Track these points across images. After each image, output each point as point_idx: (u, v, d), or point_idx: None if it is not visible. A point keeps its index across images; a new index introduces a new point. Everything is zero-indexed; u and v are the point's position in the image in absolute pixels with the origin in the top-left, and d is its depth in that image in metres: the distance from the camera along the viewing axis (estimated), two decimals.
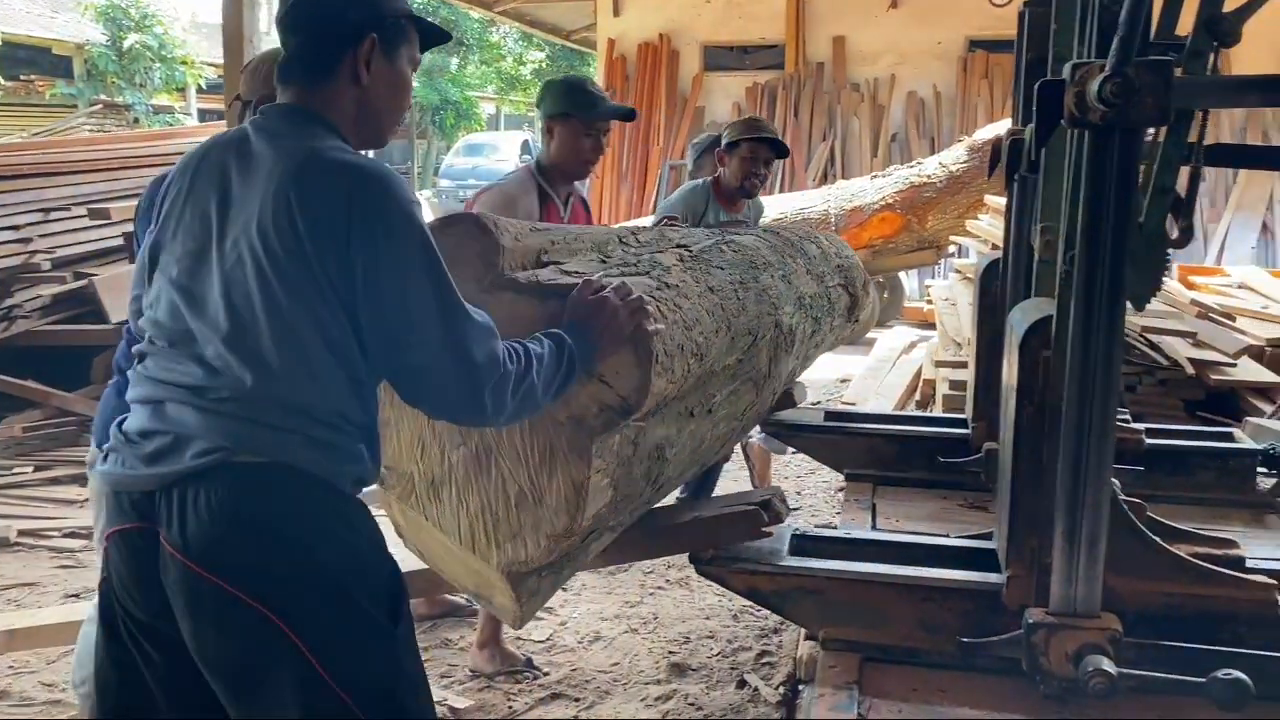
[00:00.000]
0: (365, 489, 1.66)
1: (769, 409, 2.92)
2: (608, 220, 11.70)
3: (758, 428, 3.24)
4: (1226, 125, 10.64)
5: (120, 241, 6.31)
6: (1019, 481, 1.83)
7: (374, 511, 1.67)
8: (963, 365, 4.73)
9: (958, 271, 7.12)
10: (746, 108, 12.52)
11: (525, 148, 23.03)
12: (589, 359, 1.73)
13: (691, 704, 3.05)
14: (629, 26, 13.48)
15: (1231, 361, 4.26)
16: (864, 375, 6.59)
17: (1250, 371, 4.30)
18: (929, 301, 7.48)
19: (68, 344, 5.83)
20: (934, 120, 12.34)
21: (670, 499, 2.76)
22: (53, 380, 5.74)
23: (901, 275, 9.99)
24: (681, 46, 13.31)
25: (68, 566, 4.14)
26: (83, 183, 6.68)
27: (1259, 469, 2.76)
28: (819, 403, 6.23)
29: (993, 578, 1.93)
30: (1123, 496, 1.81)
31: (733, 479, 4.66)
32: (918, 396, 5.80)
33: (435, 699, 2.02)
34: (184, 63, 18.06)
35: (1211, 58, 2.04)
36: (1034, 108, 1.67)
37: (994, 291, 2.87)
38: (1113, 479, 1.72)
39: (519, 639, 3.38)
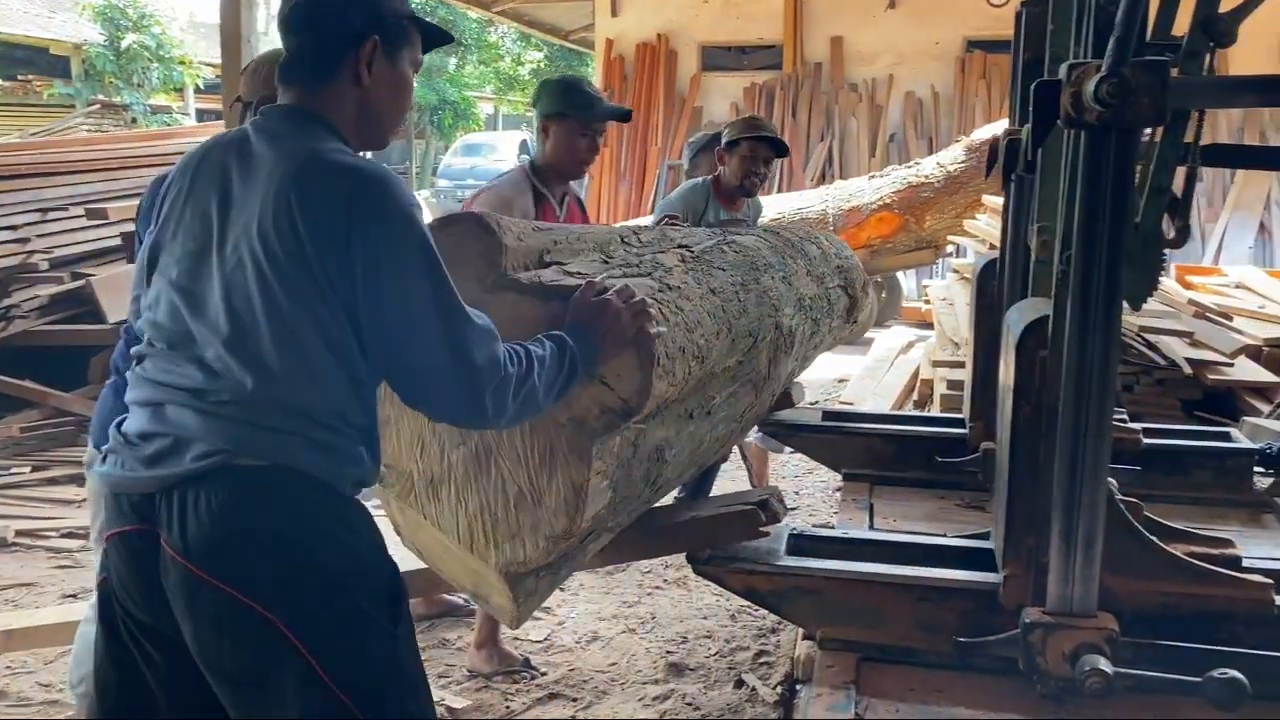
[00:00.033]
0: (365, 490, 1.66)
1: (768, 410, 2.93)
2: (606, 220, 11.71)
3: (755, 427, 3.24)
4: (1224, 125, 10.66)
5: (118, 241, 6.31)
6: (1016, 481, 1.84)
7: (372, 509, 1.67)
8: (960, 365, 4.73)
9: (955, 271, 7.12)
10: (744, 108, 12.52)
11: (523, 147, 23.00)
12: (591, 361, 1.73)
13: (689, 704, 3.05)
14: (627, 27, 13.49)
15: (1229, 361, 4.26)
16: (862, 375, 6.59)
17: (1247, 371, 4.30)
18: (927, 301, 7.49)
19: (65, 344, 5.83)
20: (932, 120, 12.35)
21: (668, 499, 2.76)
22: (50, 380, 5.74)
23: (899, 275, 10.01)
24: (679, 47, 13.32)
25: (65, 567, 4.14)
26: (80, 183, 6.69)
27: (1256, 468, 2.76)
28: (817, 402, 6.24)
29: (990, 577, 1.93)
30: (1120, 496, 1.81)
31: (730, 479, 4.66)
32: (915, 396, 5.80)
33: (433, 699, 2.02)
34: (182, 63, 18.05)
35: (1208, 58, 2.05)
36: (1030, 108, 1.67)
37: (991, 291, 2.87)
38: (1110, 479, 1.72)
39: (517, 639, 3.39)
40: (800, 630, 2.28)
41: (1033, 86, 1.66)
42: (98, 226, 6.31)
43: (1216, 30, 2.00)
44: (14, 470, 5.15)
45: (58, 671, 3.16)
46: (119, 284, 5.79)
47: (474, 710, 3.01)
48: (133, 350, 1.68)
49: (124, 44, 17.14)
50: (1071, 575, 1.69)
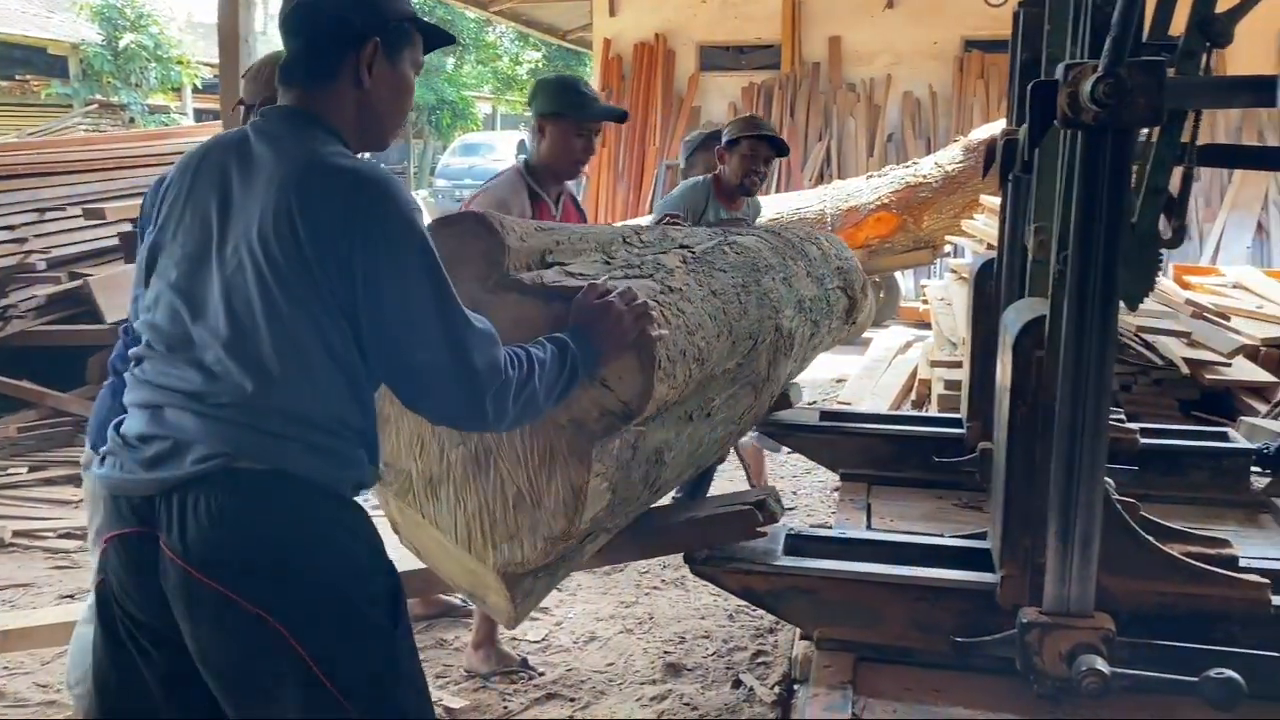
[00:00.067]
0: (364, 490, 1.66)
1: (766, 411, 2.93)
2: (603, 221, 11.70)
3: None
4: (1222, 125, 10.66)
5: (116, 241, 6.31)
6: (1013, 481, 1.84)
7: (370, 509, 1.67)
8: (958, 365, 4.73)
9: (953, 271, 7.12)
10: (742, 108, 12.53)
11: (521, 147, 22.95)
12: (592, 364, 1.73)
13: (687, 704, 3.05)
14: (625, 26, 13.49)
15: (1226, 361, 4.27)
16: (860, 375, 6.59)
17: (1245, 371, 4.31)
18: (925, 301, 7.49)
19: (63, 344, 5.83)
20: (930, 120, 12.36)
21: (665, 499, 2.76)
22: (48, 380, 5.73)
23: (897, 275, 10.01)
24: (677, 46, 13.32)
25: (62, 567, 4.14)
26: (78, 183, 6.68)
27: (1253, 468, 2.77)
28: (815, 402, 6.24)
29: (987, 577, 1.93)
30: (1116, 496, 1.81)
31: (728, 479, 4.66)
32: (913, 396, 5.80)
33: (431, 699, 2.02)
34: (180, 62, 18.03)
35: (1204, 58, 2.05)
36: (1027, 108, 1.67)
37: (989, 291, 2.87)
38: (1107, 479, 1.72)
39: (514, 639, 3.39)
40: (798, 630, 2.29)
41: (1029, 87, 1.66)
42: (95, 226, 6.30)
43: (1213, 30, 2.00)
44: (11, 471, 5.15)
45: (55, 672, 3.16)
46: (116, 284, 5.79)
47: (472, 710, 3.01)
48: (131, 351, 1.68)
49: (122, 44, 17.12)
50: (1068, 575, 1.69)
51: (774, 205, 8.97)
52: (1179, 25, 2.06)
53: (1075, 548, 1.68)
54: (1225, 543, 1.96)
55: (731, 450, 4.08)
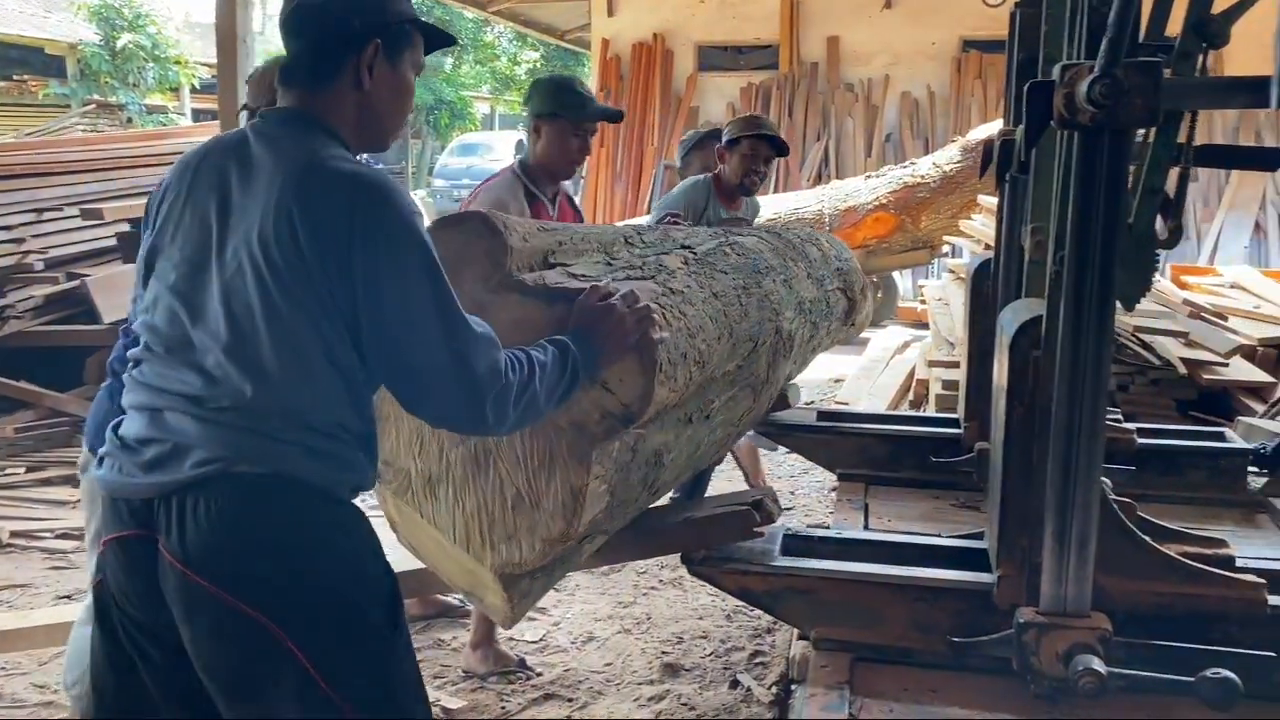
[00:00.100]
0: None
1: (765, 412, 2.93)
2: (601, 220, 11.70)
3: None
4: (1220, 125, 10.67)
5: (114, 242, 6.30)
6: (1009, 481, 1.84)
7: (369, 510, 1.67)
8: (955, 365, 4.74)
9: (951, 271, 7.13)
10: (741, 108, 12.53)
11: (519, 147, 22.93)
12: (593, 366, 1.73)
13: (685, 704, 3.05)
14: (623, 26, 13.49)
15: (1224, 361, 4.27)
16: (857, 375, 6.59)
17: (1242, 371, 4.31)
18: (922, 301, 7.49)
19: (60, 344, 5.82)
20: (928, 120, 12.36)
21: (663, 500, 2.76)
22: (45, 381, 5.73)
23: (895, 275, 10.01)
24: (676, 46, 13.31)
25: (60, 568, 4.14)
26: (76, 183, 6.67)
27: (1250, 468, 2.77)
28: (812, 402, 6.24)
29: (984, 577, 1.94)
30: (1113, 496, 1.81)
31: (726, 479, 4.66)
32: (911, 396, 5.80)
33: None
34: (177, 62, 18.01)
35: (1201, 59, 2.05)
36: (1024, 109, 1.67)
37: (985, 292, 2.87)
38: (1104, 479, 1.73)
39: (512, 639, 3.39)
40: (795, 630, 2.29)
41: (1026, 87, 1.66)
42: (93, 227, 6.29)
43: (1209, 31, 2.00)
44: (9, 471, 5.14)
45: (52, 673, 3.16)
46: (114, 284, 5.78)
47: (469, 711, 3.01)
48: (129, 353, 1.68)
49: (119, 44, 17.10)
50: (1065, 575, 1.70)
51: (772, 205, 8.97)
52: (1175, 26, 2.07)
53: (1072, 548, 1.68)
54: (1222, 543, 1.97)
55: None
